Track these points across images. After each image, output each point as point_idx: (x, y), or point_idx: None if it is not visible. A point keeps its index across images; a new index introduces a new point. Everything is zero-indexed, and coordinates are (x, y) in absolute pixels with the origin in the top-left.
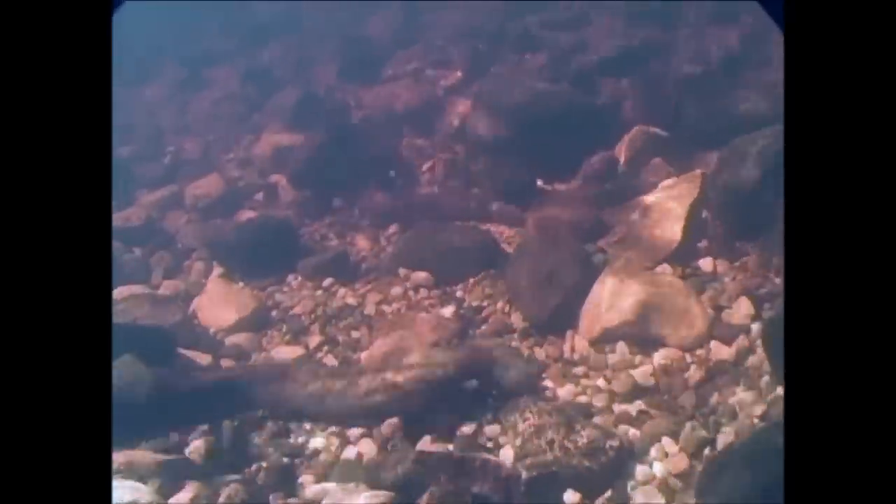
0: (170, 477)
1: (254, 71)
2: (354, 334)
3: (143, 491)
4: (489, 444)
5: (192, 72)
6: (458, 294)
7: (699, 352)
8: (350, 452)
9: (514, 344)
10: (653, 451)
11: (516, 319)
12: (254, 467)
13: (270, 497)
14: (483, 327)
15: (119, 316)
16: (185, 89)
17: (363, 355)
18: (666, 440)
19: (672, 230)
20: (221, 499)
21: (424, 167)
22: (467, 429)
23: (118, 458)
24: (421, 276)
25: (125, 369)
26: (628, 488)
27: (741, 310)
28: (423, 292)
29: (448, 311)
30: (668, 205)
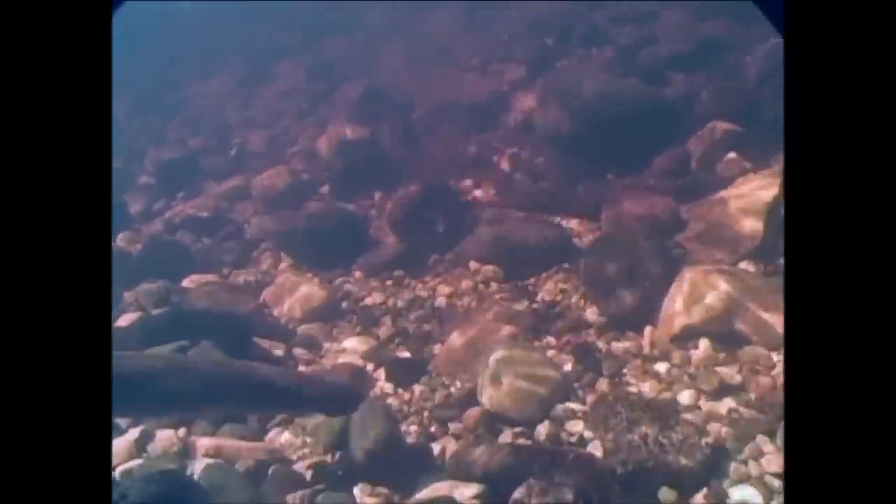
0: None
1: (318, 66)
2: (426, 327)
3: (231, 472)
4: (572, 440)
5: (258, 67)
6: (530, 288)
7: None
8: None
9: (590, 339)
10: (746, 450)
11: (592, 314)
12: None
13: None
14: (558, 322)
15: (193, 304)
16: (250, 84)
17: (437, 348)
18: (761, 438)
19: (752, 226)
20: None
21: (490, 162)
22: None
23: (205, 443)
24: (491, 269)
25: (205, 355)
26: (724, 486)
27: None
28: (493, 286)
29: (521, 305)
30: (748, 201)
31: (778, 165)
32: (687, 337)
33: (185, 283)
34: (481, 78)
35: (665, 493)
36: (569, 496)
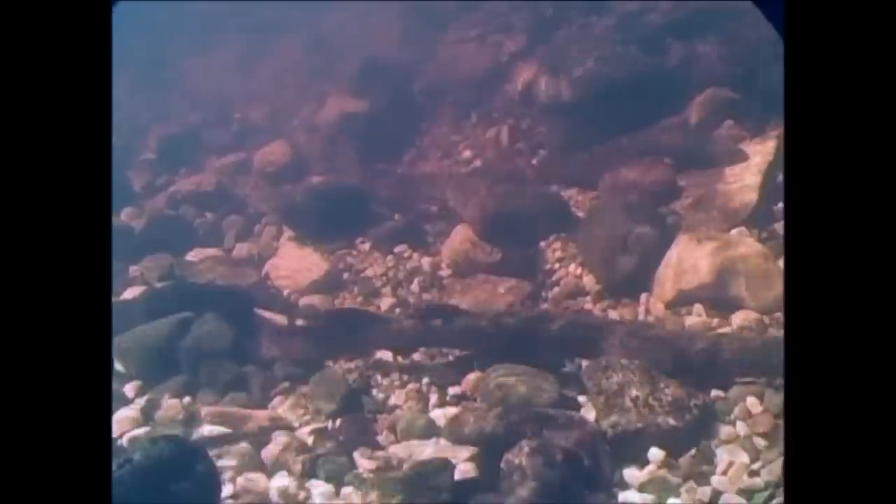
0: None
1: (317, 38)
2: (426, 297)
3: (234, 438)
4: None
5: (257, 40)
6: (529, 257)
7: (778, 314)
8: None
9: (587, 307)
10: (736, 411)
11: (589, 282)
12: (337, 421)
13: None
14: (555, 290)
15: (196, 277)
16: (250, 57)
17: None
18: (750, 400)
19: (748, 193)
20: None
21: (490, 132)
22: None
23: (209, 410)
24: (489, 238)
25: (208, 327)
26: (712, 446)
27: None
28: (494, 255)
29: (519, 274)
30: (743, 168)
31: (774, 132)
32: (681, 303)
33: (189, 256)
34: (480, 48)
35: (653, 453)
36: (558, 456)
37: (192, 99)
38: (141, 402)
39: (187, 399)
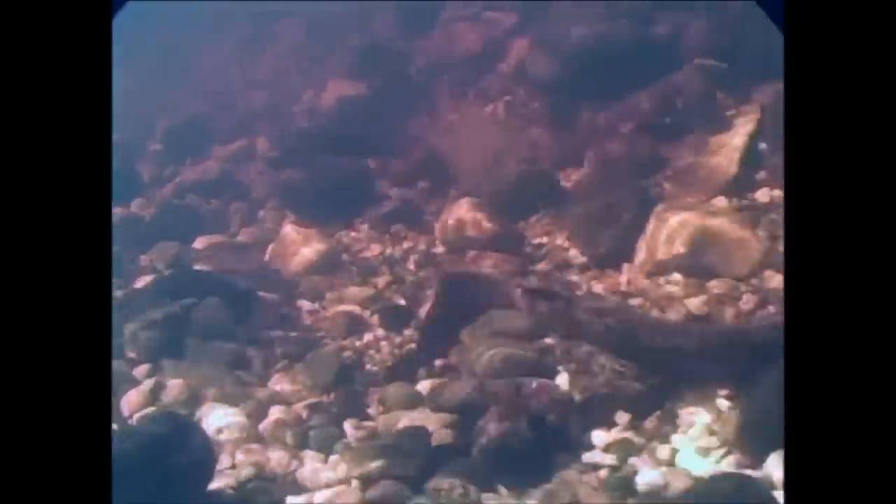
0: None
1: (317, 23)
2: (421, 274)
3: (235, 414)
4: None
5: (258, 27)
6: (520, 231)
7: (753, 281)
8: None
9: (573, 278)
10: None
11: (575, 254)
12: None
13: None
14: (544, 263)
15: (201, 264)
16: (252, 45)
17: (430, 293)
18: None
19: (727, 163)
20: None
21: (487, 109)
22: None
23: (212, 389)
24: (483, 214)
25: (211, 311)
26: (676, 409)
27: None
28: (487, 230)
29: (509, 248)
30: (724, 137)
31: (757, 101)
32: (661, 272)
33: (196, 244)
34: (475, 26)
35: (620, 417)
36: (524, 421)
37: (196, 89)
38: (150, 383)
39: (192, 379)
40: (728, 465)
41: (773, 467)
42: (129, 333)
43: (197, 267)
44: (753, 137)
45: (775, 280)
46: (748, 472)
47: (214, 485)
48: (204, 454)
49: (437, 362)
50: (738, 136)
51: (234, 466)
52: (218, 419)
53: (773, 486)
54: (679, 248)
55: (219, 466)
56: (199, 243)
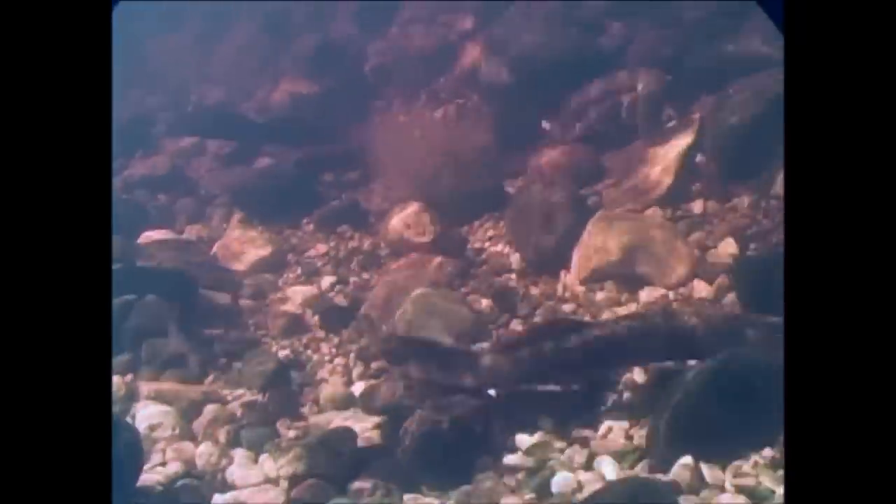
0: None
1: (272, 19)
2: (365, 276)
3: (168, 413)
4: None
5: (214, 21)
6: (464, 235)
7: (682, 290)
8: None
9: (511, 284)
10: (623, 381)
11: (515, 260)
12: (266, 393)
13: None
14: (483, 268)
15: (145, 260)
16: (207, 39)
17: (370, 295)
18: (636, 370)
19: (663, 173)
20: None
21: (438, 112)
22: None
23: (147, 386)
24: (428, 218)
25: (150, 309)
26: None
27: (726, 249)
28: (430, 234)
29: (451, 252)
30: (663, 148)
31: (696, 114)
32: (595, 280)
33: (141, 239)
34: (430, 28)
35: (543, 421)
36: (445, 423)
37: (149, 81)
38: None
39: (129, 377)
40: (640, 469)
41: (679, 473)
42: None
43: (140, 263)
44: (690, 149)
45: (703, 290)
46: (659, 476)
47: (142, 482)
48: (131, 450)
49: (374, 364)
50: (675, 148)
51: (164, 464)
52: (151, 417)
53: (679, 491)
54: (611, 256)
55: (149, 464)
56: (144, 239)
